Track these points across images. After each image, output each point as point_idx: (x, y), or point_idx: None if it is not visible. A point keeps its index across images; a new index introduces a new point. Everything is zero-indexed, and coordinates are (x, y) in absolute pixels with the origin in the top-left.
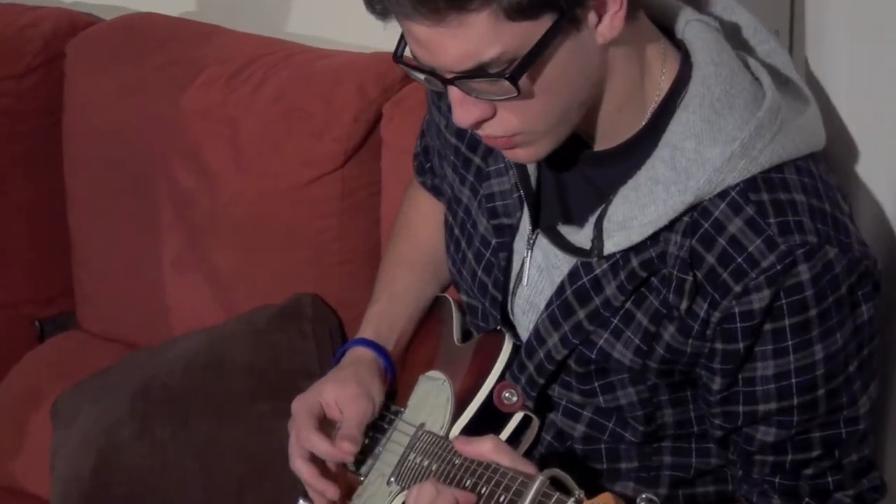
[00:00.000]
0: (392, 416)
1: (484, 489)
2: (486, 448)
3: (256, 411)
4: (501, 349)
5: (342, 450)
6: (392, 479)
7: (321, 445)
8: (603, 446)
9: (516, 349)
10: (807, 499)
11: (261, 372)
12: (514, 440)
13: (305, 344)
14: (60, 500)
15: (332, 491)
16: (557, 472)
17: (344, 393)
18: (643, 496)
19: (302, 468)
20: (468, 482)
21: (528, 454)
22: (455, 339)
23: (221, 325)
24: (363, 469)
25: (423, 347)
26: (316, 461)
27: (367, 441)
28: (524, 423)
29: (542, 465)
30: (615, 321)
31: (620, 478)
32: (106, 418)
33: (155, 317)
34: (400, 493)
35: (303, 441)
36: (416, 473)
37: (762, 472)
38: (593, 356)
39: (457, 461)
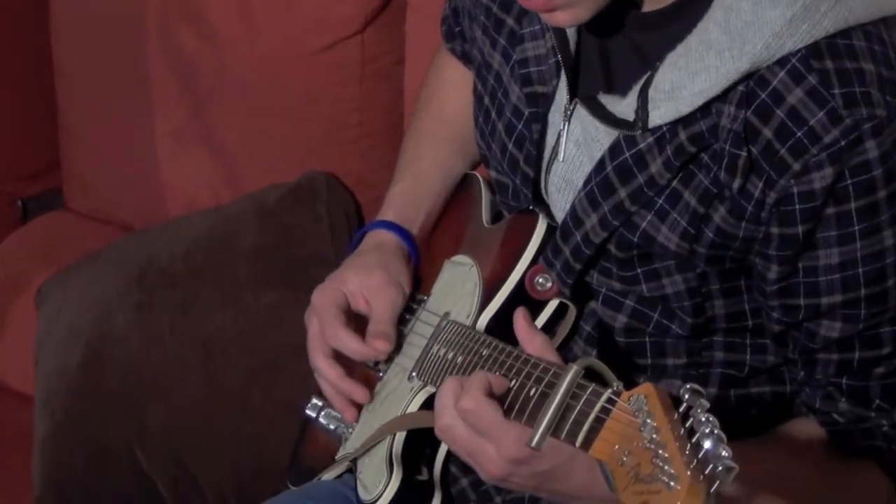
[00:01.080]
0: (414, 306)
1: (514, 382)
2: (539, 339)
3: (264, 301)
4: (534, 230)
5: (376, 349)
6: (414, 375)
7: (351, 344)
8: (647, 339)
9: (551, 231)
10: (878, 401)
11: (269, 258)
12: (547, 331)
13: (319, 227)
14: (45, 398)
15: (360, 393)
16: (593, 361)
17: (370, 281)
18: (687, 386)
19: (326, 368)
20: (497, 373)
21: (564, 346)
22: (484, 220)
23: (226, 205)
24: (381, 364)
25: (450, 230)
26: (339, 359)
27: None
28: (559, 312)
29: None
30: (660, 201)
31: (666, 375)
32: (96, 307)
33: (151, 196)
34: (422, 388)
35: (329, 338)
36: (440, 367)
37: (826, 372)
38: (635, 240)
39: (484, 352)
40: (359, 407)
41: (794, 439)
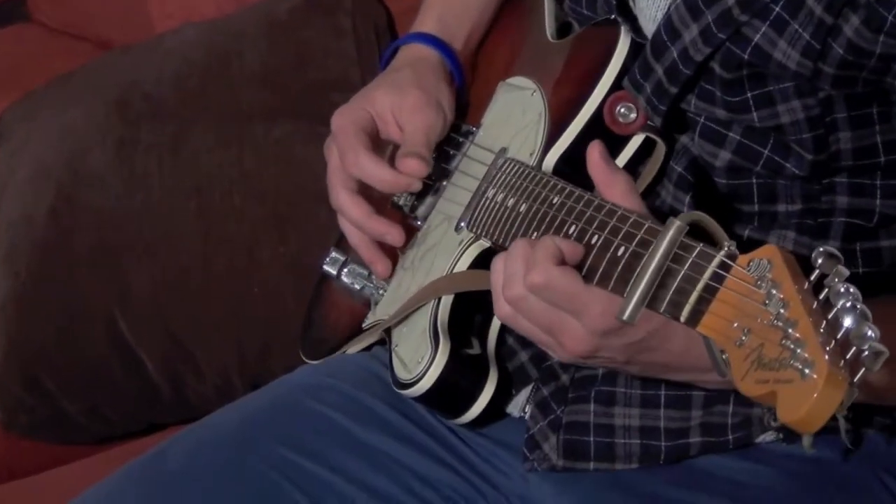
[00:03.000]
0: (460, 139)
1: (596, 238)
2: (622, 181)
3: (274, 135)
4: (616, 46)
5: (409, 170)
6: (462, 224)
7: (376, 170)
8: (754, 181)
9: (637, 48)
10: None
11: (280, 82)
12: (629, 172)
13: (342, 44)
14: (7, 253)
15: (395, 233)
16: (700, 215)
17: (403, 101)
18: (820, 249)
19: (350, 203)
20: (572, 229)
21: (649, 192)
22: (548, 33)
23: (227, 17)
24: (420, 211)
25: (503, 46)
26: (366, 195)
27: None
28: (644, 149)
29: (670, 208)
30: (777, 9)
31: (776, 224)
32: (68, 141)
33: (135, 5)
34: (474, 241)
35: (350, 166)
36: (499, 216)
37: None
38: (746, 57)
39: (555, 199)
40: (393, 259)
41: None
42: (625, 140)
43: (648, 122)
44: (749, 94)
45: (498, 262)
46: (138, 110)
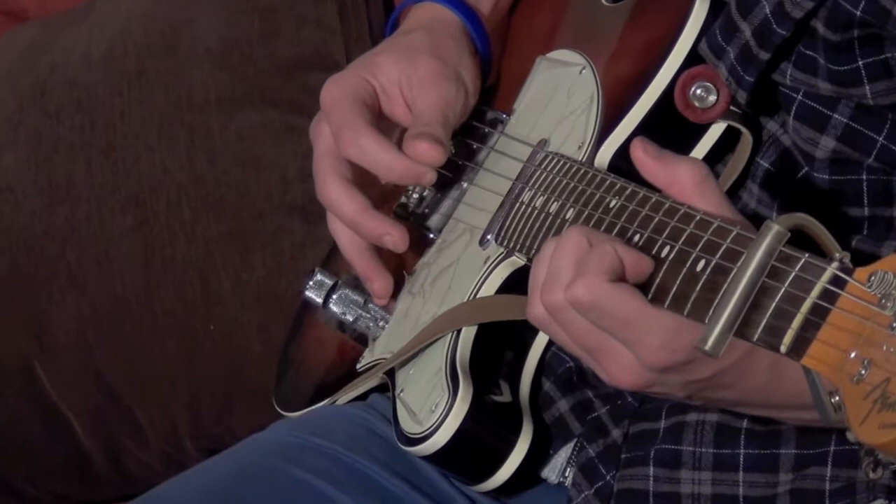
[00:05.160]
0: (486, 129)
1: (668, 250)
2: (687, 176)
3: (233, 129)
4: (691, 9)
5: (420, 154)
6: (489, 238)
7: (384, 153)
8: (865, 177)
9: (718, 10)
10: None
11: (242, 60)
12: None
13: (321, 10)
14: None
15: (397, 234)
16: (805, 218)
17: (414, 70)
18: None
19: (341, 193)
20: (636, 238)
21: (731, 192)
22: None
23: None
24: (434, 220)
25: (543, 10)
26: (363, 191)
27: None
28: (726, 141)
29: (753, 214)
30: None
31: (893, 233)
32: None
33: None
34: (505, 258)
35: (347, 146)
36: (537, 225)
37: None
38: (858, 13)
39: (613, 203)
40: (397, 282)
41: None
42: (701, 130)
43: (731, 107)
44: (861, 63)
45: (547, 248)
46: (59, 100)
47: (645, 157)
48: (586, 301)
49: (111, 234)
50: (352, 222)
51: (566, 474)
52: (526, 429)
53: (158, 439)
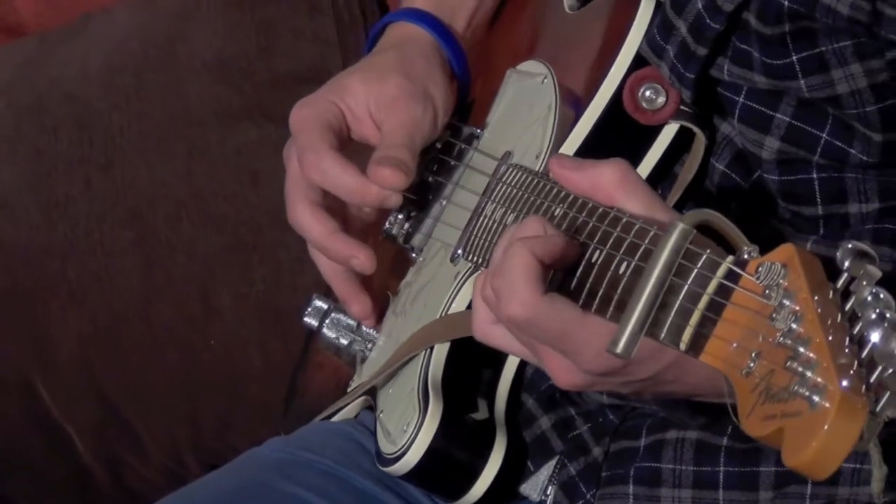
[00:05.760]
0: (461, 146)
1: (597, 255)
2: (607, 179)
3: (232, 143)
4: (636, 9)
5: (381, 180)
6: (459, 252)
7: (343, 176)
8: (815, 175)
9: (659, 9)
10: None
11: (240, 74)
12: (665, 174)
13: (318, 24)
14: None
15: (363, 256)
16: (710, 214)
17: (382, 91)
18: (848, 245)
19: (308, 217)
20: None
21: (689, 198)
22: (566, 5)
23: None
24: (416, 240)
25: (514, 28)
26: (334, 213)
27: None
28: (680, 141)
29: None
30: None
31: (848, 231)
32: None
33: None
34: (473, 272)
35: (309, 169)
36: (493, 236)
37: None
38: (786, 2)
39: (557, 211)
40: (384, 303)
41: None
42: (654, 132)
43: (681, 107)
44: (795, 57)
45: (478, 280)
46: (58, 116)
47: (563, 171)
48: (522, 318)
49: (111, 250)
50: (320, 246)
51: (548, 492)
52: (499, 443)
53: (159, 454)
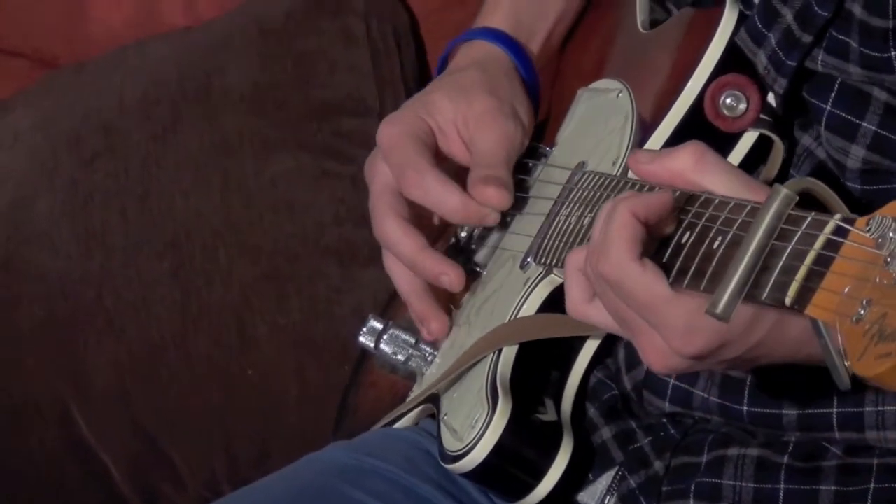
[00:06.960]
0: (530, 163)
1: (688, 236)
2: (683, 163)
3: (268, 173)
4: (718, 22)
5: (487, 199)
6: (529, 260)
7: (448, 195)
8: None
9: (743, 22)
10: None
11: (276, 105)
12: None
13: (353, 54)
14: None
15: (454, 274)
16: (812, 181)
17: (470, 108)
18: None
19: (400, 233)
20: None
21: None
22: (640, 24)
23: (205, 25)
24: (481, 254)
25: (585, 50)
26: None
27: None
28: (759, 150)
29: None
30: None
31: None
32: (6, 187)
33: (82, 9)
34: (544, 277)
35: (410, 186)
36: (572, 239)
37: None
38: None
39: None
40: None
41: None
42: (733, 139)
43: (762, 116)
44: (893, 53)
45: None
46: (94, 146)
47: (639, 165)
48: (613, 279)
49: (147, 280)
50: (410, 261)
51: (606, 502)
52: (566, 444)
53: (196, 484)
